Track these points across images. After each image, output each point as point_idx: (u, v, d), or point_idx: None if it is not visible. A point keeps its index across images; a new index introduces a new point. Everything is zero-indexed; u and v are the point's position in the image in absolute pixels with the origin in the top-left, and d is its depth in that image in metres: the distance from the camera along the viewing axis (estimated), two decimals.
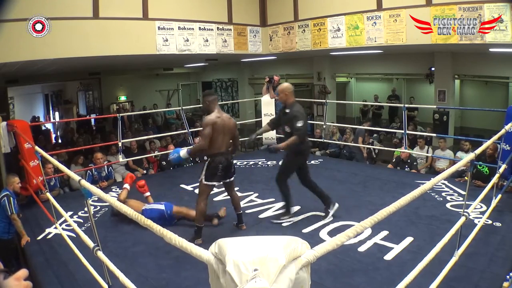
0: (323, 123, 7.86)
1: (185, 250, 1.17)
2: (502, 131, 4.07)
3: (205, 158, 4.73)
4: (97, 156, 6.22)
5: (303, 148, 4.36)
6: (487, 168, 5.42)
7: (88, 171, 6.14)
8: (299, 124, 4.12)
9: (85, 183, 2.29)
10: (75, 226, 3.19)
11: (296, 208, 4.81)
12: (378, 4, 7.28)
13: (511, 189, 4.96)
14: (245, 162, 7.28)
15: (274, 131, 7.97)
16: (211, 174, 3.91)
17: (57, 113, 14.66)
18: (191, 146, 3.86)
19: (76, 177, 2.45)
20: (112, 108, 13.77)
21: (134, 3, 7.20)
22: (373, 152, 7.90)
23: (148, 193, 5.05)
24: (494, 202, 4.08)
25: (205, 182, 3.91)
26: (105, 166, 6.29)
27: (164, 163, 7.34)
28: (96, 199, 5.09)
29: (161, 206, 4.35)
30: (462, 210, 3.03)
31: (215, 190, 5.69)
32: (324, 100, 8.67)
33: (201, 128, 3.97)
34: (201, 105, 13.75)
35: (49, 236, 4.25)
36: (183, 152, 3.95)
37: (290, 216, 4.50)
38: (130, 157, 7.07)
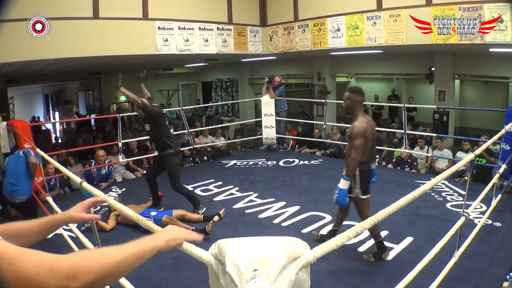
0: (323, 123, 7.86)
1: (185, 252, 1.17)
2: (502, 131, 4.07)
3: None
4: (98, 153, 6.27)
5: (176, 150, 4.68)
6: (484, 160, 5.49)
7: (87, 165, 6.25)
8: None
9: (86, 185, 2.29)
10: (75, 229, 3.20)
11: (296, 208, 4.82)
12: (378, 4, 7.28)
13: (511, 189, 4.96)
14: (245, 162, 7.29)
15: (274, 129, 8.00)
16: (366, 186, 3.47)
17: (57, 113, 14.67)
18: (344, 170, 3.37)
19: (77, 179, 2.46)
20: (112, 108, 13.76)
21: (134, 3, 7.19)
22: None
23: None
24: (494, 202, 4.08)
25: (363, 197, 3.47)
26: (106, 167, 6.31)
27: None
28: None
29: (151, 221, 4.32)
30: (462, 210, 3.03)
31: (215, 190, 5.71)
32: (324, 100, 8.67)
33: (349, 138, 3.45)
34: (199, 106, 13.79)
35: (50, 236, 4.24)
36: (342, 183, 3.34)
37: (202, 207, 4.74)
38: (130, 157, 7.07)
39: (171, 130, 4.90)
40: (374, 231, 3.50)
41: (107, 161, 6.41)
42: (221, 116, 13.78)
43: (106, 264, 0.80)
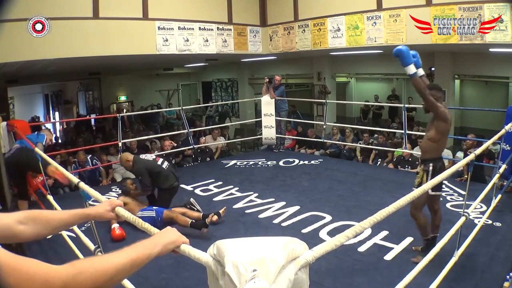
0: (323, 123, 7.86)
1: (183, 253, 1.17)
2: (502, 131, 4.07)
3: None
4: (79, 157, 6.44)
5: (166, 187, 4.75)
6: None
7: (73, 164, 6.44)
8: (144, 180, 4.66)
9: (83, 186, 2.28)
10: (76, 228, 3.19)
11: (296, 208, 4.82)
12: (378, 4, 7.28)
13: (511, 189, 4.96)
14: (245, 162, 7.29)
15: (274, 129, 7.99)
16: (439, 183, 3.30)
17: (57, 113, 14.66)
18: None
19: (74, 180, 2.45)
20: (112, 108, 13.77)
21: (134, 3, 7.20)
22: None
23: None
24: (494, 202, 4.08)
25: (434, 193, 3.35)
26: (89, 160, 6.44)
27: None
28: None
29: (153, 213, 4.33)
30: (462, 210, 3.03)
31: (215, 190, 5.71)
32: (324, 100, 8.67)
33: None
34: (199, 106, 13.78)
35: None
36: (411, 67, 3.32)
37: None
38: None
39: (164, 166, 4.79)
40: (423, 229, 3.49)
41: (89, 156, 6.52)
42: (226, 116, 13.70)
43: (100, 278, 0.80)
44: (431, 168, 3.35)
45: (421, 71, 3.50)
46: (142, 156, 4.89)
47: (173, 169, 5.04)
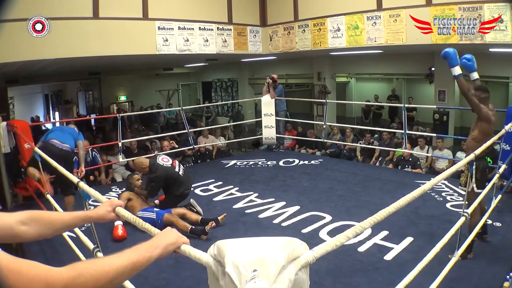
0: (323, 123, 7.86)
1: (184, 253, 1.17)
2: (502, 131, 4.06)
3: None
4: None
5: (177, 194, 4.72)
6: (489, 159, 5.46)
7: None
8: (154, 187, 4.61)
9: (83, 185, 2.28)
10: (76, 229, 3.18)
11: (296, 208, 4.82)
12: (378, 4, 7.28)
13: (511, 189, 4.95)
14: (245, 162, 7.29)
15: (274, 129, 7.99)
16: (483, 180, 3.47)
17: (57, 113, 14.66)
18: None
19: (74, 179, 2.45)
20: (112, 108, 13.77)
21: (134, 3, 7.20)
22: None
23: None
24: (494, 202, 4.08)
25: (478, 191, 3.41)
26: (90, 152, 6.42)
27: None
28: None
29: (153, 215, 4.32)
30: (462, 210, 3.02)
31: (215, 190, 5.71)
32: (324, 100, 8.67)
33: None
34: (199, 106, 13.79)
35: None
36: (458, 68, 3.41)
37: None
38: (130, 157, 7.06)
39: (181, 172, 4.71)
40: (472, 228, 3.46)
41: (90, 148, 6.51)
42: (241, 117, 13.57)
43: (101, 280, 0.81)
44: (474, 166, 3.41)
45: (475, 75, 3.56)
46: (159, 160, 4.67)
47: (188, 174, 4.91)
